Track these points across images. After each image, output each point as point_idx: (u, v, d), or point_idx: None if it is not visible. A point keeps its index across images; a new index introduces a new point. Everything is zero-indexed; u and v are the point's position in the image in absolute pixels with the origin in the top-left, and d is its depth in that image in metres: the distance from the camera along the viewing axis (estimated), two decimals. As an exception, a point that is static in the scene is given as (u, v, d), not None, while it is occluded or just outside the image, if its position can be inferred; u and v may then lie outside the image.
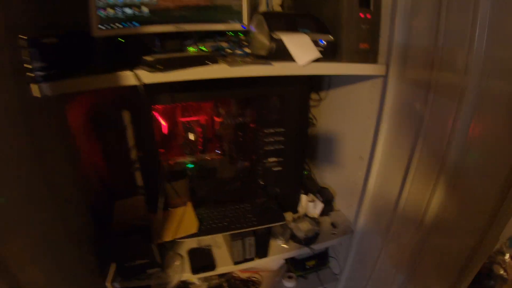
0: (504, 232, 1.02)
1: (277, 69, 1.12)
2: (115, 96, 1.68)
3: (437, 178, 1.10)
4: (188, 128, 1.60)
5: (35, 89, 0.92)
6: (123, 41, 1.23)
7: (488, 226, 0.99)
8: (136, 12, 1.16)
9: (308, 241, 1.52)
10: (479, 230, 1.03)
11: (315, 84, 1.78)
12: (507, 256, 1.78)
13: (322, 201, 1.64)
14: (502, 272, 1.74)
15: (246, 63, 1.09)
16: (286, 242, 1.55)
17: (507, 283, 1.76)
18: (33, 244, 0.82)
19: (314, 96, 1.80)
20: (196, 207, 1.55)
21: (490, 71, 0.90)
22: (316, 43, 1.18)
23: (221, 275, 1.83)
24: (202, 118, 1.62)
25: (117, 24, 1.13)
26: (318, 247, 1.57)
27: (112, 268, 1.39)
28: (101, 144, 1.75)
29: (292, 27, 1.23)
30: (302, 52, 1.14)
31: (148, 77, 1.01)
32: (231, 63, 1.08)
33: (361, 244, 1.60)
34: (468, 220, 1.08)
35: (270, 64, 1.11)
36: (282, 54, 1.14)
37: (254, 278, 1.87)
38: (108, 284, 1.34)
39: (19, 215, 0.76)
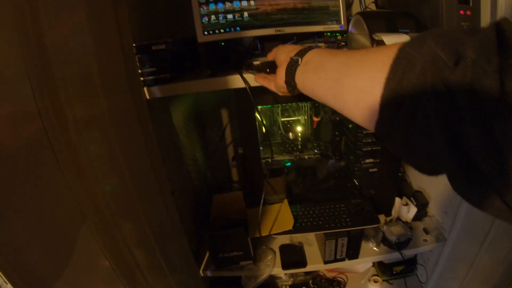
0: None
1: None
2: (215, 95, 1.77)
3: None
4: (287, 127, 1.64)
5: (145, 92, 1.03)
6: (223, 44, 1.29)
7: None
8: (237, 17, 1.20)
9: (399, 245, 1.49)
10: None
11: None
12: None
13: (416, 205, 1.59)
14: None
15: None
16: (377, 245, 1.52)
17: None
18: (140, 230, 0.89)
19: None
20: (291, 204, 1.58)
21: None
22: (417, 42, 1.16)
23: (307, 273, 1.85)
24: (301, 118, 1.65)
25: (220, 30, 1.19)
26: (408, 252, 1.53)
27: (206, 257, 1.47)
28: (202, 140, 1.85)
29: (392, 27, 1.20)
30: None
31: (251, 79, 1.07)
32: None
33: (453, 253, 1.52)
34: None
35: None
36: (381, 55, 1.13)
37: (339, 278, 1.86)
38: (200, 271, 1.42)
39: (128, 202, 0.84)
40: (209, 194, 1.70)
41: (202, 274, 1.43)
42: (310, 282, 1.83)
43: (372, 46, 1.13)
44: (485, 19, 1.18)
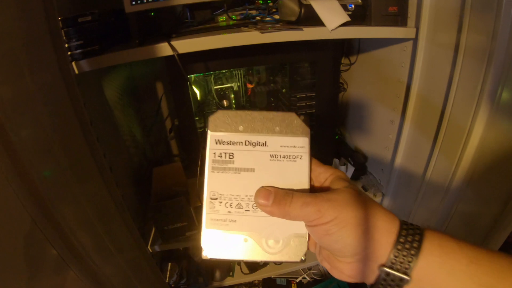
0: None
1: (307, 34, 1.13)
2: (148, 68, 1.72)
3: (465, 144, 1.11)
4: (222, 95, 1.63)
5: (73, 67, 0.98)
6: (153, 14, 1.25)
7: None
8: (165, -14, 1.17)
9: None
10: (503, 198, 1.06)
11: (346, 47, 1.77)
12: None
13: (354, 165, 1.66)
14: None
15: (276, 29, 1.10)
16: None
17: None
18: (82, 211, 0.87)
19: (344, 61, 1.79)
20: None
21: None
22: (344, 7, 1.18)
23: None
24: (234, 85, 1.65)
25: None
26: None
27: (153, 233, 1.46)
28: (138, 115, 1.81)
29: (320, -8, 1.22)
30: (332, 17, 1.14)
31: (182, 47, 1.05)
32: (262, 30, 1.09)
33: (392, 207, 1.61)
34: (493, 188, 1.11)
35: (301, 29, 1.12)
36: (311, 19, 1.14)
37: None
38: (148, 247, 1.41)
39: (68, 184, 0.81)
40: (149, 169, 1.68)
41: (150, 250, 1.42)
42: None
43: (300, 12, 1.15)
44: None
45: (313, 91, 1.50)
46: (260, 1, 1.42)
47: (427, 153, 1.29)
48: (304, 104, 1.50)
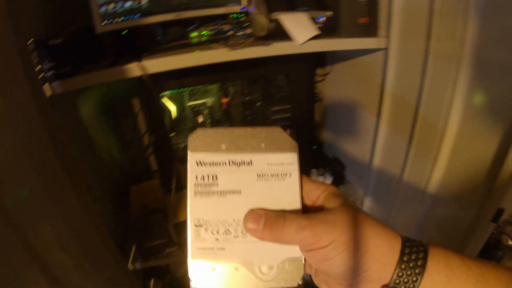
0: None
1: (275, 49, 1.15)
2: (124, 86, 1.73)
3: (438, 148, 1.14)
4: (196, 111, 1.64)
5: (47, 89, 0.99)
6: (125, 32, 1.26)
7: (486, 197, 1.05)
8: (136, 4, 1.18)
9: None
10: (478, 200, 1.09)
11: (320, 58, 1.80)
12: (516, 226, 1.79)
13: (332, 174, 1.68)
14: (510, 242, 1.75)
15: (244, 45, 1.12)
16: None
17: (516, 253, 1.77)
18: (59, 232, 0.87)
19: (320, 71, 1.82)
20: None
21: (487, 40, 0.94)
22: (315, 20, 1.21)
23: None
24: (209, 100, 1.66)
25: (118, 19, 1.16)
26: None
27: (133, 250, 1.46)
28: (116, 131, 1.80)
29: (291, 6, 1.25)
30: (300, 31, 1.17)
31: (153, 66, 1.06)
32: (231, 46, 1.11)
33: (372, 214, 1.62)
34: (468, 191, 1.13)
35: (269, 44, 1.14)
36: (281, 34, 1.17)
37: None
38: (129, 264, 1.41)
39: (43, 206, 0.81)
40: (129, 185, 1.68)
41: (131, 267, 1.41)
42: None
43: (269, 27, 1.18)
44: (384, 3, 1.25)
45: (288, 103, 1.52)
46: (234, 15, 1.44)
47: (403, 159, 1.31)
48: (280, 116, 1.52)
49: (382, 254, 0.42)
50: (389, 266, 0.41)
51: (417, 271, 0.40)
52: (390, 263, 0.41)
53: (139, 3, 1.19)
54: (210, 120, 1.69)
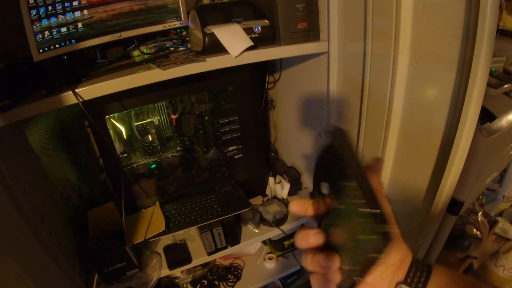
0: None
1: (211, 64, 1.13)
2: (73, 110, 1.70)
3: (385, 145, 1.15)
4: (144, 131, 1.63)
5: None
6: (66, 57, 1.23)
7: (436, 185, 1.04)
8: (72, 29, 1.16)
9: (277, 222, 1.56)
10: (429, 191, 1.10)
11: (269, 66, 1.80)
12: (479, 215, 1.81)
13: (289, 181, 1.67)
14: (475, 231, 1.77)
15: (177, 64, 1.10)
16: (257, 226, 1.59)
17: (482, 241, 1.79)
18: (17, 265, 0.86)
19: (271, 78, 1.81)
20: (166, 204, 1.59)
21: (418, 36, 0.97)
22: (251, 30, 1.20)
23: (204, 265, 1.88)
24: (155, 119, 1.65)
25: (55, 45, 1.13)
26: (289, 227, 1.61)
27: (97, 276, 1.43)
28: (71, 155, 1.78)
29: (228, 17, 1.24)
30: (235, 43, 1.15)
31: (87, 93, 1.04)
32: (162, 67, 1.09)
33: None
34: (417, 182, 1.14)
35: (204, 60, 1.12)
36: (216, 47, 1.15)
37: (235, 264, 1.92)
38: (93, 290, 1.38)
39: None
40: (87, 210, 1.65)
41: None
42: (208, 274, 1.86)
43: (204, 41, 1.16)
44: (323, 6, 1.25)
45: (237, 115, 1.51)
46: (177, 30, 1.42)
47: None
48: (228, 129, 1.51)
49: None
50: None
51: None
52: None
53: (75, 27, 1.17)
54: (157, 140, 1.68)
